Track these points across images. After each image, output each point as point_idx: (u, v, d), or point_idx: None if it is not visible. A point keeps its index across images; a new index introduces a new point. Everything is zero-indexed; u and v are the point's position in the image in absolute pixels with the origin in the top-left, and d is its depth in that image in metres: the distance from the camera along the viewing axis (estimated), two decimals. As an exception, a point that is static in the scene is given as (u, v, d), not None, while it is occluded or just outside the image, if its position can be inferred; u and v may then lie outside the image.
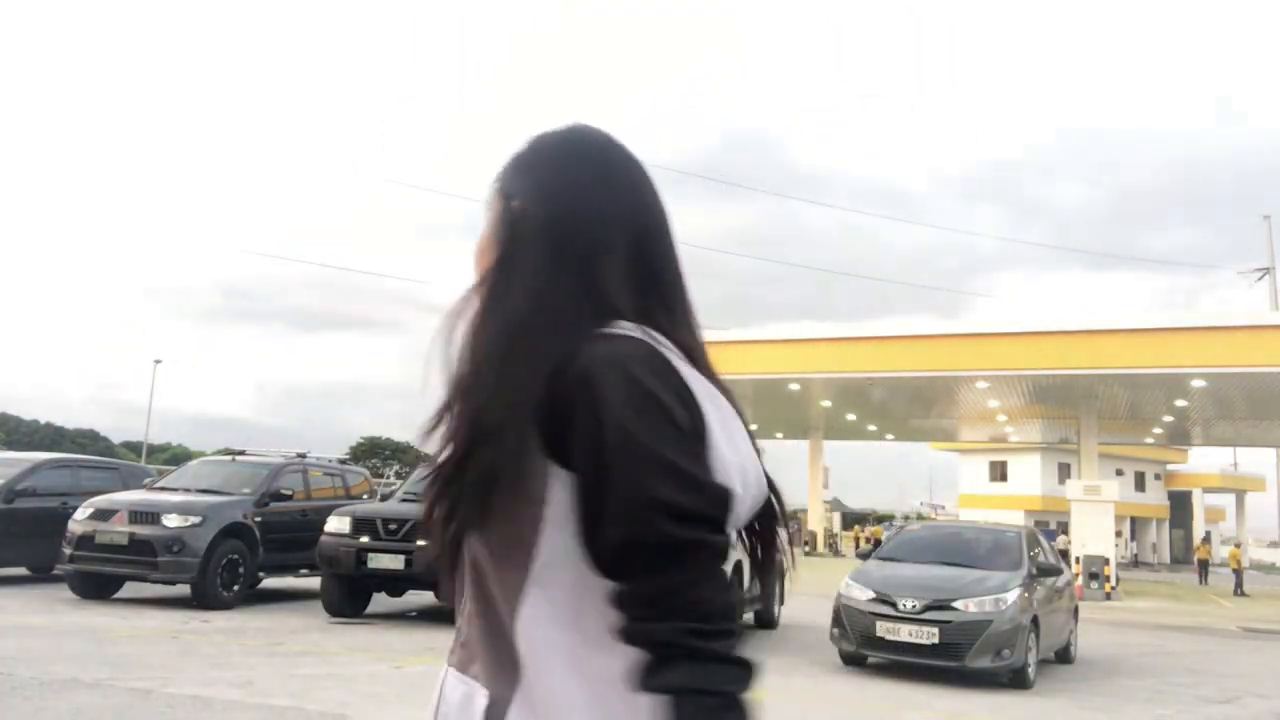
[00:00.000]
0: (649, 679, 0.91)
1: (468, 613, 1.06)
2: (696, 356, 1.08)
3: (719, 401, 1.03)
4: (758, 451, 1.08)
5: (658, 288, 1.10)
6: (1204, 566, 35.51)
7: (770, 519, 1.12)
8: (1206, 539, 40.60)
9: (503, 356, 0.99)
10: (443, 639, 9.25)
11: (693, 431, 0.96)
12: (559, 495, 0.97)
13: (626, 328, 1.01)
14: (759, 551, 1.13)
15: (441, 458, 1.02)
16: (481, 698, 1.01)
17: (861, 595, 9.29)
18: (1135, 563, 51.35)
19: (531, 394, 0.96)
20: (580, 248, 1.05)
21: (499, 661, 1.00)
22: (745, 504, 1.02)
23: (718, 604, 0.93)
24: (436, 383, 1.04)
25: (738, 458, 1.00)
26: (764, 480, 1.08)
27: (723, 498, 0.95)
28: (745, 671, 0.94)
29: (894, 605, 9.00)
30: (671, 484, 0.91)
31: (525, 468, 0.97)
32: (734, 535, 1.04)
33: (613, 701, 0.95)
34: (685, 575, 0.92)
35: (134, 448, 61.39)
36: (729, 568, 1.01)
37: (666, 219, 1.14)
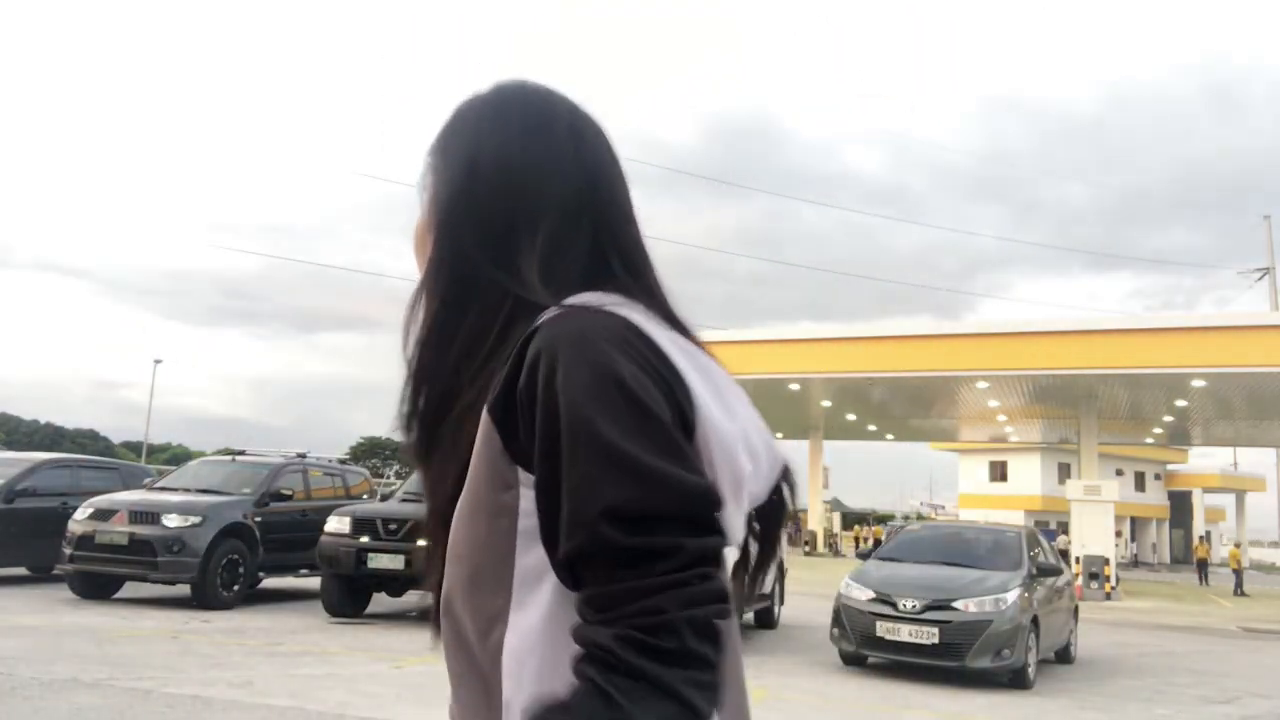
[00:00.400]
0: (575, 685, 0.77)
1: (447, 660, 0.92)
2: (674, 323, 0.94)
3: (709, 369, 0.90)
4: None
5: (618, 248, 0.98)
6: (1203, 566, 35.42)
7: (778, 505, 0.97)
8: (1206, 538, 40.46)
9: (436, 350, 0.93)
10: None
11: (674, 413, 0.82)
12: (531, 504, 0.84)
13: (589, 298, 0.89)
14: (758, 540, 0.97)
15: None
16: None
17: (861, 595, 9.28)
18: (1135, 563, 51.33)
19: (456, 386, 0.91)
20: (517, 215, 0.94)
21: (488, 709, 0.86)
22: (759, 477, 0.90)
23: (676, 619, 0.75)
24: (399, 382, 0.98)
25: (737, 424, 0.88)
26: (774, 447, 0.93)
27: (699, 492, 0.80)
28: (686, 715, 0.74)
29: (894, 605, 9.00)
30: (628, 483, 0.78)
31: (487, 469, 0.85)
32: (739, 530, 0.88)
33: None
34: (640, 582, 0.77)
35: (134, 448, 61.39)
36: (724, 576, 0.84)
37: (620, 173, 1.02)
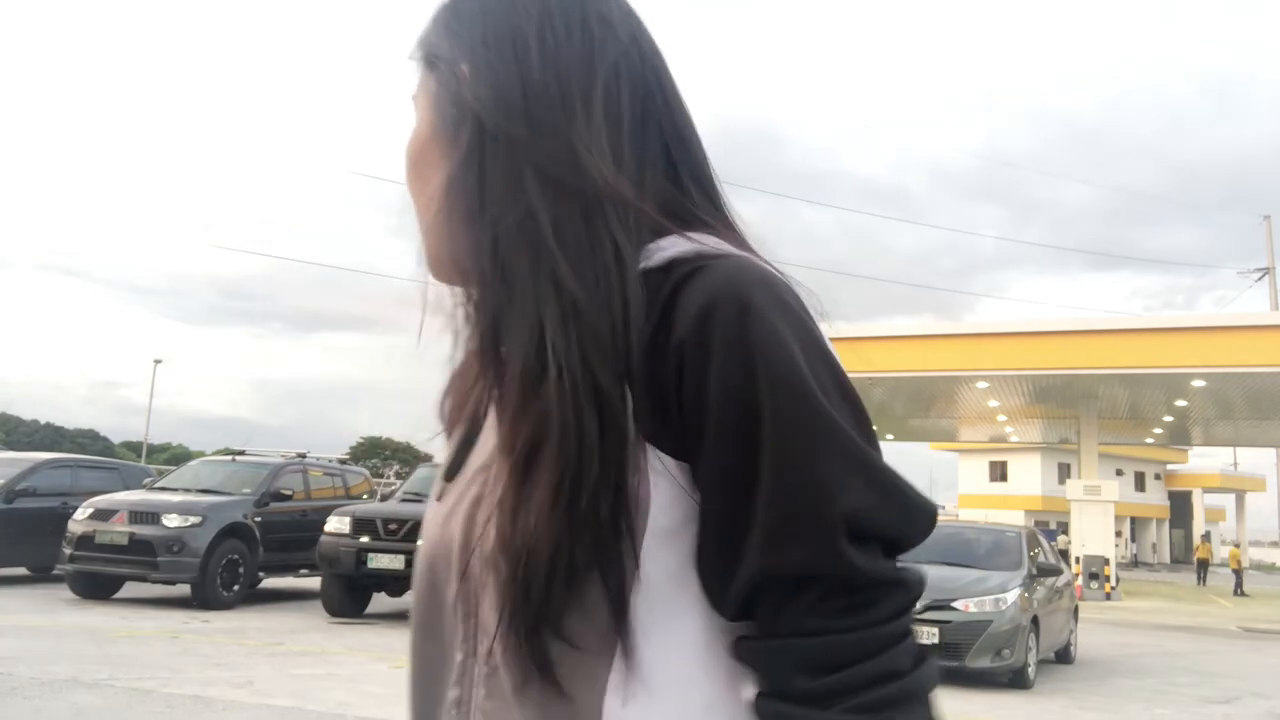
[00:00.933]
0: None
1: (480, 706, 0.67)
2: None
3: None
4: None
5: (690, 166, 0.75)
6: (1204, 566, 35.28)
7: None
8: (1206, 538, 40.34)
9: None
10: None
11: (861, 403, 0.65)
12: (663, 502, 0.63)
13: (705, 241, 0.68)
14: None
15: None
16: None
17: (861, 595, 9.29)
18: (1135, 563, 51.34)
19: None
20: (576, 105, 0.70)
21: None
22: None
23: (917, 687, 0.65)
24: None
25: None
26: None
27: (931, 513, 0.65)
28: None
29: (894, 605, 9.00)
30: (865, 485, 0.61)
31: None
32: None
33: None
34: (874, 632, 0.61)
35: (134, 448, 61.41)
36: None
37: (668, 64, 0.78)
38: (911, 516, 0.63)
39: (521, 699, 0.63)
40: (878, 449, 0.64)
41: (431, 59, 0.75)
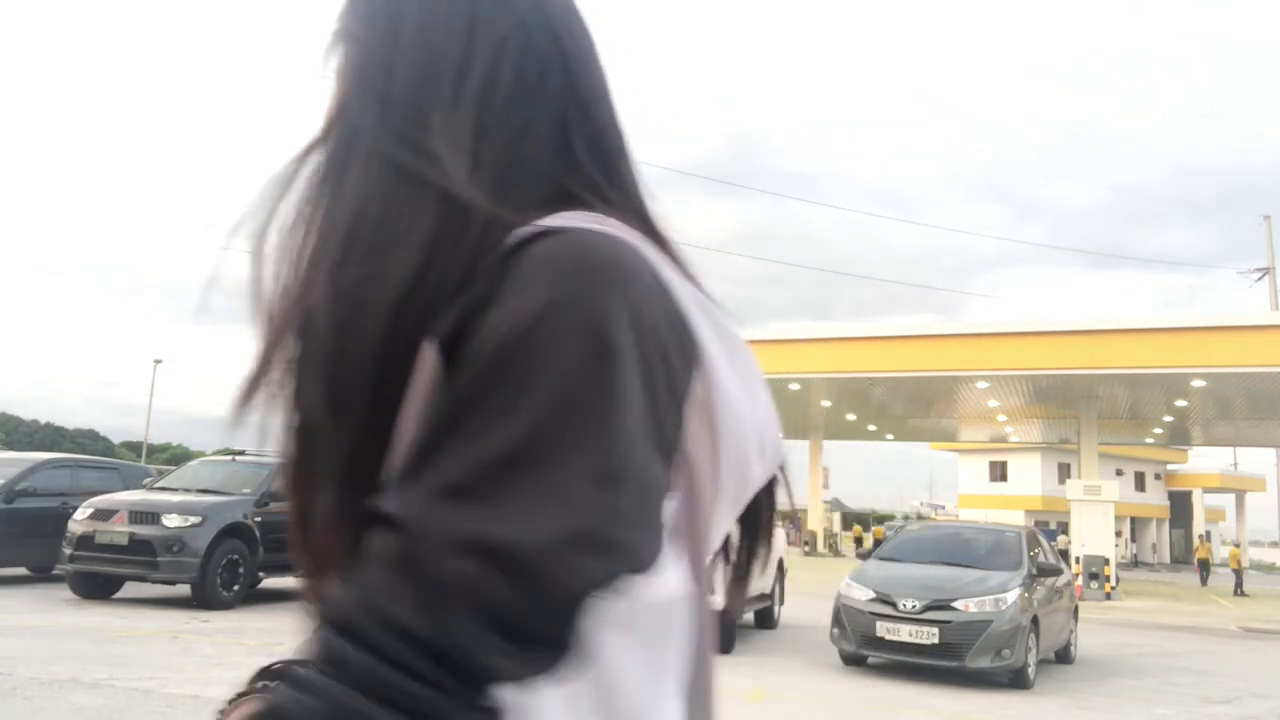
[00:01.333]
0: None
1: None
2: (669, 251, 0.69)
3: (723, 328, 0.66)
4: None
5: (593, 142, 0.71)
6: (1205, 566, 35.13)
7: (769, 503, 0.74)
8: (1206, 538, 40.23)
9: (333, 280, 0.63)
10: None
11: (669, 398, 0.58)
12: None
13: (570, 218, 0.63)
14: (748, 538, 0.74)
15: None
16: None
17: (861, 595, 9.29)
18: (1135, 563, 51.35)
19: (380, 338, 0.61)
20: (459, 83, 0.67)
21: None
22: (760, 476, 0.69)
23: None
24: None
25: (756, 416, 0.66)
26: (780, 440, 0.71)
27: (568, 608, 0.52)
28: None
29: (894, 605, 9.00)
30: (541, 520, 0.52)
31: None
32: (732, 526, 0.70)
33: None
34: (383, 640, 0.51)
35: (134, 448, 61.40)
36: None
37: (585, 25, 0.75)
38: (539, 593, 0.51)
39: None
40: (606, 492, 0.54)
41: (338, 32, 0.73)
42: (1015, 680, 8.98)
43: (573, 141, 0.70)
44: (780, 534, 14.21)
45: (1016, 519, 39.33)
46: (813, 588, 11.88)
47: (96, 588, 11.09)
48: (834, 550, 40.27)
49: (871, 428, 36.47)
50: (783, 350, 24.83)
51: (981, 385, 25.31)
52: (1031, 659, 9.11)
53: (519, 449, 0.53)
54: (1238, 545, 35.82)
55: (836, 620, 9.46)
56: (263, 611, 11.02)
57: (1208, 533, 37.89)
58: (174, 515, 10.67)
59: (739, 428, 0.64)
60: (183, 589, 11.06)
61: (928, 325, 25.04)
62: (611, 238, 0.61)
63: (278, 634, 9.35)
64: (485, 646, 0.50)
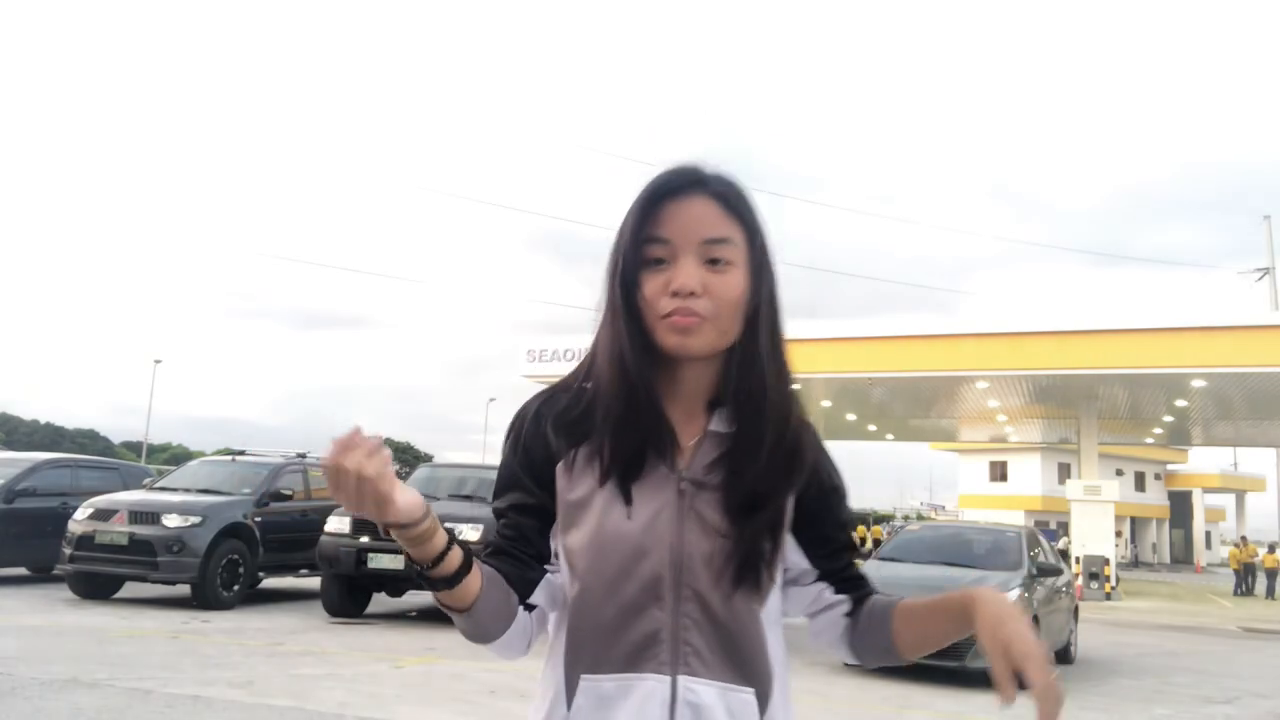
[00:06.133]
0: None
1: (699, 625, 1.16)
2: None
3: None
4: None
5: None
6: (1250, 571, 30.85)
7: None
8: (1243, 542, 33.60)
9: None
10: (442, 639, 9.26)
11: None
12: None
13: None
14: None
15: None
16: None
17: (861, 595, 9.28)
18: (1136, 562, 51.36)
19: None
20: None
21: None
22: None
23: None
24: None
25: None
26: None
27: None
28: None
29: (894, 605, 8.99)
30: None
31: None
32: None
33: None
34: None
35: (134, 448, 61.38)
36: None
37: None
38: None
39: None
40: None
41: (750, 229, 1.20)
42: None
43: None
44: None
45: (1016, 519, 39.30)
46: (813, 588, 11.92)
47: (96, 588, 11.09)
48: (834, 550, 40.20)
49: (871, 428, 36.43)
50: (782, 350, 24.78)
51: (981, 385, 25.29)
52: (1031, 659, 9.09)
53: None
54: (1237, 546, 35.20)
55: (836, 620, 9.45)
56: (263, 611, 11.01)
57: (1243, 537, 34.92)
58: (174, 515, 10.67)
59: None
60: (183, 589, 11.06)
61: (927, 325, 24.99)
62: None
63: (278, 634, 9.35)
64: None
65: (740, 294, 1.16)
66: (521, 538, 1.19)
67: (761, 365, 1.20)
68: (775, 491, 1.18)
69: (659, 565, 1.12)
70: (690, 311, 1.13)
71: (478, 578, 1.09)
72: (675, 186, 1.17)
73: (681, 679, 1.10)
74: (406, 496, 0.99)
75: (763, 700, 1.14)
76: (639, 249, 1.15)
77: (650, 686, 1.10)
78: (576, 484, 1.17)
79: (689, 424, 1.20)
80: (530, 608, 1.18)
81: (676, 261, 1.14)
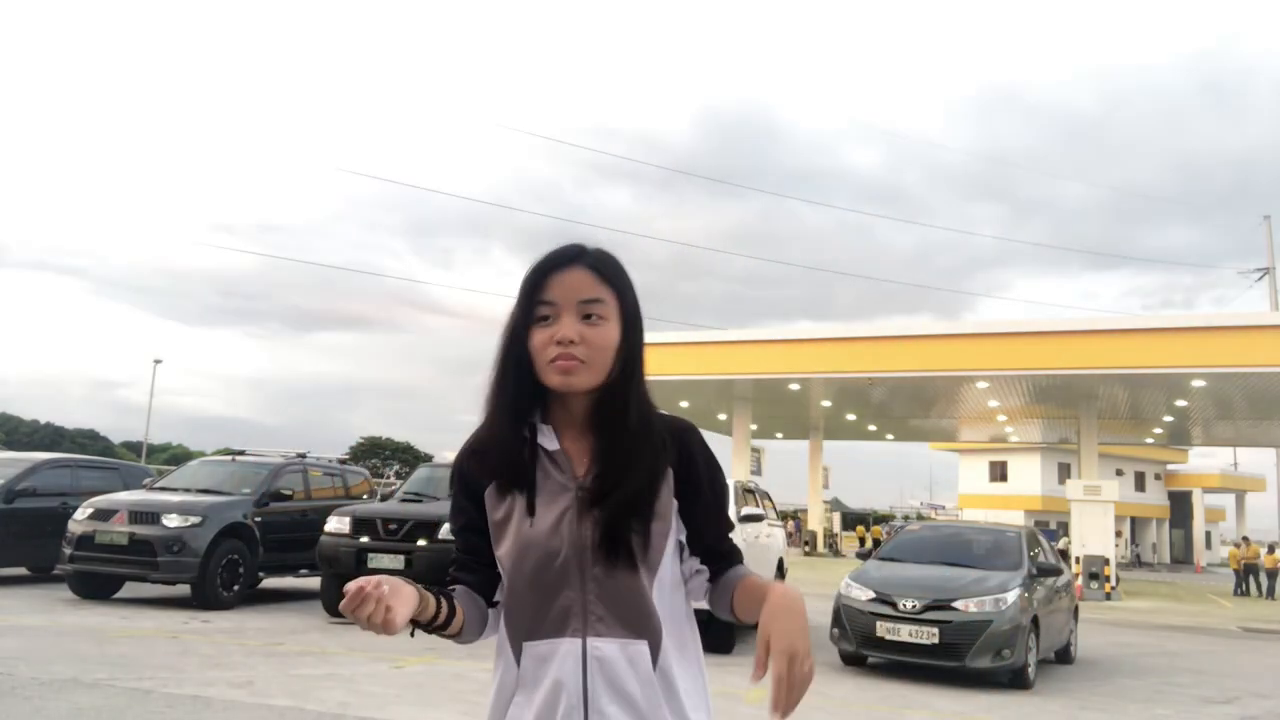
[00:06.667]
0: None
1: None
2: None
3: None
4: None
5: None
6: (1252, 572, 30.74)
7: None
8: (1245, 542, 32.94)
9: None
10: (442, 639, 9.24)
11: None
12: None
13: None
14: None
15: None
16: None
17: (861, 595, 9.28)
18: (1139, 562, 51.37)
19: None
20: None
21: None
22: None
23: None
24: None
25: None
26: None
27: None
28: None
29: (894, 605, 9.00)
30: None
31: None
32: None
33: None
34: None
35: (134, 448, 61.37)
36: None
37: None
38: None
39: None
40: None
41: (620, 291, 1.53)
42: (1015, 680, 8.98)
43: None
44: (780, 534, 14.19)
45: (1016, 519, 39.31)
46: (813, 588, 11.88)
47: (96, 588, 11.08)
48: (834, 550, 40.26)
49: (871, 428, 36.44)
50: (783, 350, 24.83)
51: (981, 385, 25.29)
52: (1031, 659, 9.11)
53: None
54: (1237, 546, 35.07)
55: (836, 620, 9.46)
56: (263, 611, 11.01)
57: (1244, 537, 34.75)
58: (174, 515, 10.66)
59: None
60: (183, 589, 11.05)
61: (928, 325, 25.00)
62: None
63: (278, 634, 9.35)
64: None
65: (613, 341, 1.49)
66: (474, 551, 1.56)
67: (626, 396, 1.50)
68: (629, 485, 1.47)
69: (566, 556, 1.45)
70: (570, 356, 1.45)
71: (460, 613, 1.49)
72: (559, 261, 1.50)
73: (590, 640, 1.44)
74: (405, 611, 1.35)
75: (654, 649, 1.45)
76: (531, 309, 1.48)
77: (568, 646, 1.43)
78: (496, 507, 1.52)
79: (581, 443, 1.52)
80: (495, 604, 1.56)
81: (560, 318, 1.47)
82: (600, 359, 1.47)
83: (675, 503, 1.52)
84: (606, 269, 1.51)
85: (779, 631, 1.31)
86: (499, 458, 1.51)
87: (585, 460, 1.50)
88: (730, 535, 1.62)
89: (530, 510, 1.47)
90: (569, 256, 1.51)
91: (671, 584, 1.51)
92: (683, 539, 1.55)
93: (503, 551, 1.49)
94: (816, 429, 35.44)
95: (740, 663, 8.98)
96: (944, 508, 61.02)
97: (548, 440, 1.51)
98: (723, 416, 31.41)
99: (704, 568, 1.58)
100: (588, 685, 1.42)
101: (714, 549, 1.58)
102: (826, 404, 29.94)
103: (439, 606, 1.44)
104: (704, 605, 1.62)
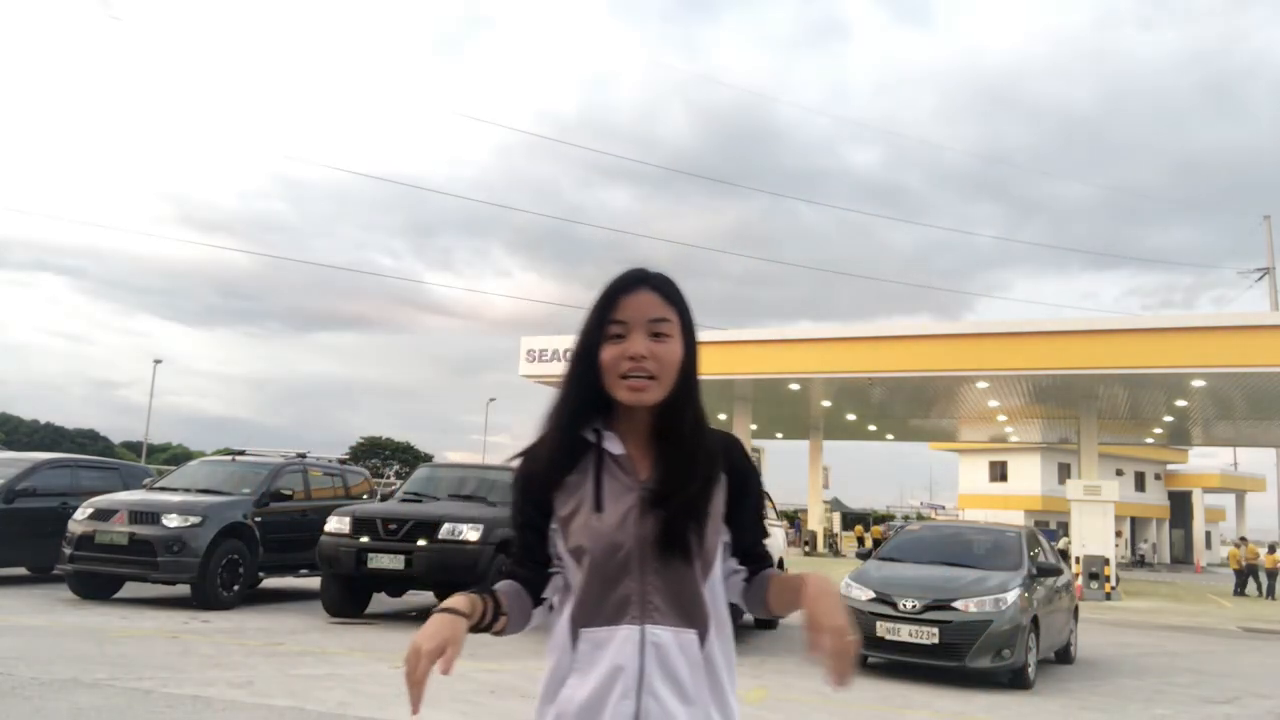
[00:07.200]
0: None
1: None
2: None
3: None
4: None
5: None
6: (1253, 571, 30.59)
7: None
8: (1243, 542, 32.70)
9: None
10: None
11: None
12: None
13: None
14: None
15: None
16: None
17: (861, 595, 9.28)
18: (1141, 562, 51.36)
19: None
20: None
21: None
22: None
23: None
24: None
25: None
26: None
27: None
28: None
29: (894, 605, 9.00)
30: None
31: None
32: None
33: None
34: None
35: (134, 448, 61.42)
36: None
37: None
38: None
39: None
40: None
41: (681, 311, 1.66)
42: (1015, 680, 8.98)
43: None
44: (780, 533, 14.20)
45: (1016, 519, 39.30)
46: (813, 588, 11.92)
47: (96, 588, 11.09)
48: (834, 550, 40.25)
49: (871, 428, 36.45)
50: (783, 350, 24.83)
51: (981, 385, 25.29)
52: (1032, 659, 9.11)
53: None
54: (1237, 546, 35.02)
55: (836, 620, 9.44)
56: (263, 611, 11.01)
57: (1243, 538, 34.61)
58: (174, 515, 10.66)
59: None
60: (183, 589, 11.05)
61: (927, 325, 24.99)
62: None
63: (278, 634, 9.35)
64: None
65: (678, 357, 1.62)
66: (529, 548, 1.68)
67: (685, 408, 1.64)
68: (690, 490, 1.60)
69: (629, 549, 1.57)
70: (641, 370, 1.59)
71: (505, 616, 1.61)
72: (627, 283, 1.64)
73: (648, 627, 1.56)
74: (457, 651, 1.46)
75: (702, 637, 1.60)
76: (603, 327, 1.62)
77: (626, 632, 1.56)
78: (565, 504, 1.63)
79: (643, 450, 1.65)
80: (541, 601, 1.68)
81: (631, 336, 1.60)
82: (668, 374, 1.61)
83: (724, 509, 1.66)
84: (670, 291, 1.66)
85: (824, 611, 1.48)
86: (563, 459, 1.65)
87: (647, 465, 1.64)
88: (765, 540, 1.78)
89: (598, 506, 1.60)
90: (636, 279, 1.65)
91: (718, 580, 1.66)
92: (726, 540, 1.69)
93: (571, 544, 1.62)
94: (816, 429, 35.43)
95: (740, 663, 8.97)
96: (944, 508, 61.06)
97: (613, 445, 1.64)
98: (723, 416, 31.41)
99: (741, 568, 1.74)
100: (644, 668, 1.55)
101: (752, 551, 1.74)
102: (826, 404, 29.95)
103: (485, 610, 1.56)
104: (736, 601, 1.76)
